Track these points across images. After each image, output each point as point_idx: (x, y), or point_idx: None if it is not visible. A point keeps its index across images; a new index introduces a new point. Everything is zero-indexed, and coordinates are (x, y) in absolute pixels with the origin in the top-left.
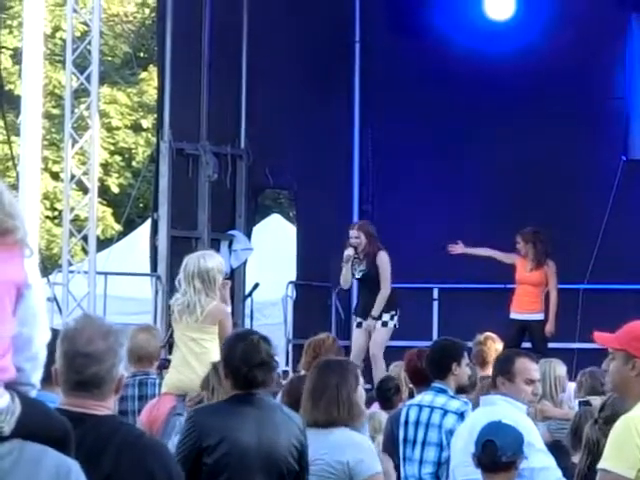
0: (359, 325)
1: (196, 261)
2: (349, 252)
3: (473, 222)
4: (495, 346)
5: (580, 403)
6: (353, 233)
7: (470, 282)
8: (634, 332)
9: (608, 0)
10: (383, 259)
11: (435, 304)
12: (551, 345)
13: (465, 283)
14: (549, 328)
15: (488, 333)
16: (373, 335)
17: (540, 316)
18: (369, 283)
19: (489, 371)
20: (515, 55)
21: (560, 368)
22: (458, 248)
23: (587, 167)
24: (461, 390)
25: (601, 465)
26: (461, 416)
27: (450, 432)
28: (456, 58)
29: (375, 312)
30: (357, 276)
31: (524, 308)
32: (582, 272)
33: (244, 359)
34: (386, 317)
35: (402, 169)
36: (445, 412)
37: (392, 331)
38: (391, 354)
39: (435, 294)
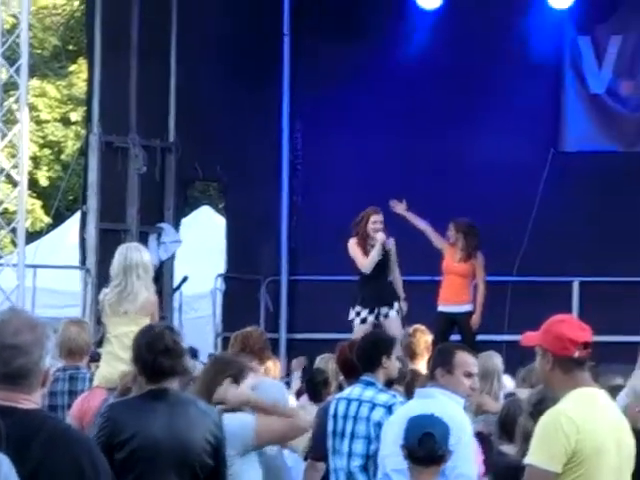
0: (364, 321)
1: (136, 253)
2: (383, 236)
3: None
4: (424, 338)
5: (506, 395)
6: (379, 217)
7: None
8: (547, 327)
9: None
10: (393, 243)
11: None
12: (480, 337)
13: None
14: (475, 320)
15: (417, 325)
16: (389, 325)
17: (468, 308)
18: (381, 269)
19: (418, 363)
20: (445, 47)
21: (499, 362)
22: (399, 207)
23: (517, 159)
24: (390, 383)
25: (528, 460)
26: (389, 409)
27: (378, 425)
28: (386, 51)
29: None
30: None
31: (452, 300)
32: (511, 264)
33: (148, 348)
34: (397, 306)
35: (331, 161)
36: (373, 405)
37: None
38: (316, 346)
39: None
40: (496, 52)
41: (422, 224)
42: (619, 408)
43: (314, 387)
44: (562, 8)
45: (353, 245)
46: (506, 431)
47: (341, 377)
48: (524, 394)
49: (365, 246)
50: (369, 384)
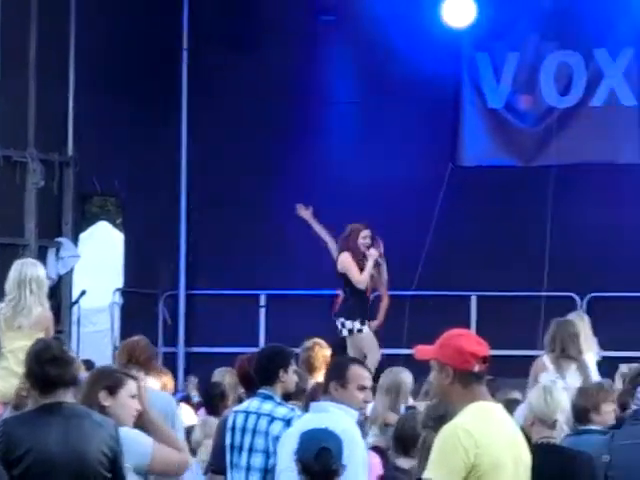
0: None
1: (31, 268)
2: (376, 252)
3: (299, 231)
4: (322, 352)
5: (406, 408)
6: (369, 232)
7: (298, 288)
8: (444, 340)
9: None
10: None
11: (262, 310)
12: (382, 351)
13: (293, 289)
14: (375, 324)
15: (316, 339)
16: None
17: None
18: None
19: (317, 377)
20: (342, 59)
21: (407, 377)
22: (305, 213)
23: (416, 174)
24: (288, 396)
25: (426, 475)
26: (288, 423)
27: (277, 439)
28: (282, 69)
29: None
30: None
31: None
32: (410, 279)
33: (36, 358)
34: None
35: (229, 176)
36: (272, 419)
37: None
38: (214, 360)
39: (262, 300)
40: (395, 69)
41: (325, 235)
42: (517, 422)
43: (211, 400)
44: (460, 25)
45: (348, 260)
46: (402, 445)
47: (241, 390)
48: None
49: (357, 261)
50: (267, 397)
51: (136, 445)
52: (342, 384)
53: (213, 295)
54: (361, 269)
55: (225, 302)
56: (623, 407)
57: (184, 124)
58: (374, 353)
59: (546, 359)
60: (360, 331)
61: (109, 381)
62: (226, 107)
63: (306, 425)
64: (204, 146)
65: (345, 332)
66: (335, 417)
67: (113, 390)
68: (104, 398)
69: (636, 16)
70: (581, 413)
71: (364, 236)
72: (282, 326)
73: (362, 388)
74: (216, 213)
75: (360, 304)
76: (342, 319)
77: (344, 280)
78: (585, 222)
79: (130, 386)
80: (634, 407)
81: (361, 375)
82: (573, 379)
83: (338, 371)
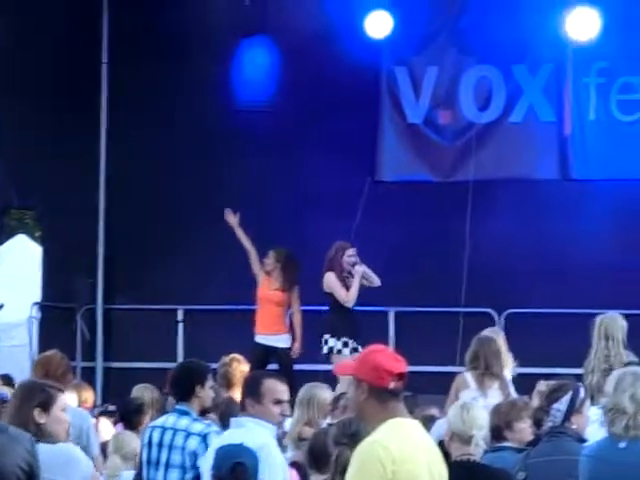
0: (355, 350)
1: None
2: (361, 269)
3: (218, 246)
4: (240, 367)
5: (328, 425)
6: (354, 251)
7: (216, 303)
8: (362, 357)
9: None
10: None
11: (180, 326)
12: (298, 367)
13: (211, 304)
14: (296, 348)
15: (233, 355)
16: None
17: (285, 338)
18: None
19: (234, 392)
20: (263, 71)
21: (325, 393)
22: (232, 219)
23: (335, 189)
24: (205, 412)
25: None
26: (204, 438)
27: (194, 454)
28: (203, 81)
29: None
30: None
31: (269, 329)
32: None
33: None
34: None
35: (150, 191)
36: (188, 434)
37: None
38: (133, 375)
39: (180, 315)
40: (313, 81)
41: (248, 245)
42: (434, 438)
43: (127, 415)
44: (379, 38)
45: (332, 279)
46: (315, 461)
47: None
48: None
49: (342, 279)
50: (184, 413)
51: (81, 465)
52: (257, 400)
53: (131, 310)
54: (347, 287)
55: (143, 317)
56: (538, 424)
57: (103, 137)
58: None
59: (468, 376)
60: (339, 352)
61: (41, 398)
62: (147, 122)
63: (224, 441)
64: (124, 161)
65: (325, 349)
66: (252, 432)
67: (46, 407)
68: (39, 416)
69: (555, 32)
70: (495, 431)
71: (349, 254)
72: (200, 341)
73: (278, 402)
74: (135, 228)
75: (346, 322)
76: (327, 336)
77: (331, 298)
78: (503, 238)
79: (61, 400)
80: (549, 424)
81: (275, 389)
82: (494, 397)
83: (252, 387)
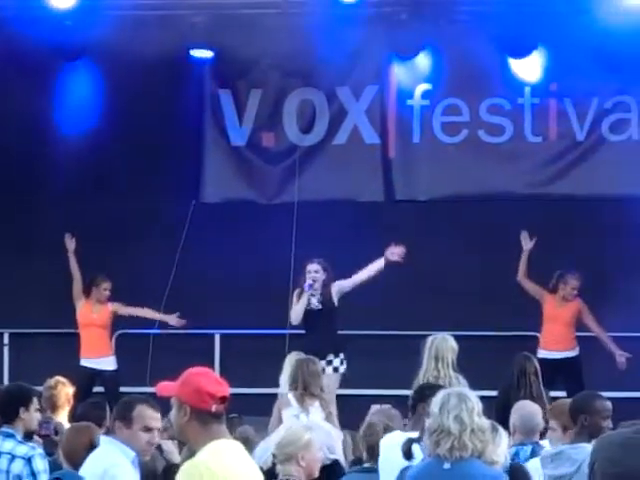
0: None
1: None
2: (310, 283)
3: (40, 269)
4: (65, 390)
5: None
6: (313, 267)
7: (42, 327)
8: (185, 379)
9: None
10: (310, 288)
11: (5, 349)
12: (123, 389)
13: (36, 327)
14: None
15: (58, 377)
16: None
17: (110, 361)
18: (326, 316)
19: (59, 415)
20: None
21: None
22: (69, 244)
23: (160, 208)
24: (30, 434)
25: None
26: (29, 461)
27: (18, 477)
28: (21, 106)
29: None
30: (316, 307)
31: (94, 353)
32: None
33: None
34: (337, 362)
35: None
36: (13, 457)
37: (341, 379)
38: None
39: (6, 339)
40: (136, 105)
41: (76, 271)
42: (256, 460)
43: None
44: (203, 58)
45: (294, 298)
46: None
47: None
48: (167, 445)
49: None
50: (8, 436)
51: None
52: (126, 424)
53: None
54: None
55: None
56: None
57: None
58: (333, 395)
59: (290, 396)
60: (336, 370)
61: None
62: None
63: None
64: None
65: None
66: (106, 454)
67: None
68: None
69: (379, 55)
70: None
71: (308, 270)
72: (26, 364)
73: (147, 429)
74: None
75: (303, 341)
76: (331, 356)
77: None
78: (327, 258)
79: None
80: None
81: (146, 416)
82: (316, 414)
83: (123, 411)
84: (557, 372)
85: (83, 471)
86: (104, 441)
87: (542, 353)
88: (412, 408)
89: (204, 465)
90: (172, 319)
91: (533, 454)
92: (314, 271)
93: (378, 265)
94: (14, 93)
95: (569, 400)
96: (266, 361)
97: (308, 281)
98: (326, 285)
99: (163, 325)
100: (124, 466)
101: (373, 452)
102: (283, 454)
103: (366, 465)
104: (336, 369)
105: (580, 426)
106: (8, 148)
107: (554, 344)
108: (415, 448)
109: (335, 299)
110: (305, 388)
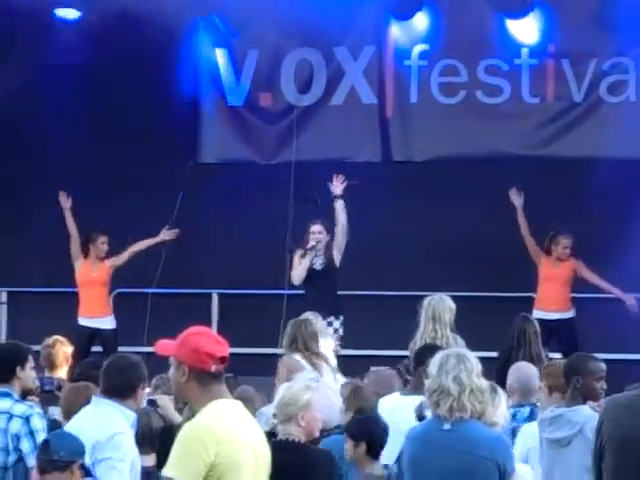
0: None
1: None
2: (313, 244)
3: (40, 230)
4: (63, 349)
5: (148, 402)
6: (317, 228)
7: (40, 285)
8: (183, 339)
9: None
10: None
11: (3, 307)
12: (122, 349)
13: (34, 286)
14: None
15: (56, 336)
16: None
17: (109, 320)
18: (327, 277)
19: (58, 373)
20: (83, 59)
21: None
22: (65, 203)
23: (157, 172)
24: (27, 393)
25: (165, 473)
26: (27, 420)
27: (16, 436)
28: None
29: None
30: (318, 268)
31: (92, 312)
32: (151, 276)
33: None
34: (337, 324)
35: None
36: (11, 416)
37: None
38: None
39: (3, 297)
40: (137, 64)
41: (73, 230)
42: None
43: None
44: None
45: (294, 259)
46: (143, 442)
47: None
48: (162, 400)
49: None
50: (5, 395)
51: None
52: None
53: None
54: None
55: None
56: None
57: None
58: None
59: (298, 357)
60: (336, 331)
61: None
62: None
63: (75, 419)
64: None
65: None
66: (105, 416)
67: None
68: None
69: (377, 15)
70: None
71: (312, 232)
72: (23, 323)
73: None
74: None
75: (325, 300)
76: (331, 318)
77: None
78: (326, 219)
79: None
80: None
81: None
82: (328, 376)
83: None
84: (551, 333)
85: (84, 433)
86: (103, 403)
87: (537, 314)
88: (413, 370)
89: (203, 425)
90: (164, 235)
91: (531, 415)
92: (317, 232)
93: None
94: None
95: (558, 362)
96: (264, 321)
97: (311, 242)
98: (328, 246)
99: (160, 284)
100: (127, 433)
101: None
102: (283, 414)
103: None
104: (336, 330)
105: (573, 387)
106: None
107: (549, 305)
108: (428, 412)
109: (337, 260)
110: (306, 349)
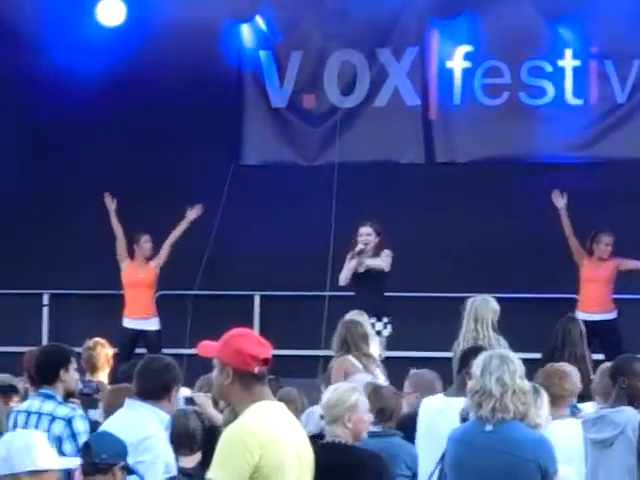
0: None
1: None
2: (362, 247)
3: (83, 231)
4: (105, 351)
5: (185, 400)
6: (366, 230)
7: (82, 288)
8: (226, 341)
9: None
10: (389, 254)
11: (45, 309)
12: (165, 351)
13: (77, 289)
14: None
15: (97, 338)
16: None
17: (154, 322)
18: (372, 280)
19: (99, 376)
20: (126, 64)
21: None
22: (110, 204)
23: (199, 174)
24: (69, 395)
25: (210, 475)
26: (69, 422)
27: (58, 439)
28: (64, 68)
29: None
30: (364, 270)
31: (137, 314)
32: (192, 279)
33: None
34: (379, 326)
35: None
36: (53, 418)
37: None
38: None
39: (46, 299)
40: (177, 68)
41: (119, 231)
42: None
43: None
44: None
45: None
46: (181, 443)
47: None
48: (199, 398)
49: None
50: (48, 397)
51: None
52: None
53: None
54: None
55: (8, 301)
56: None
57: None
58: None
59: (352, 359)
60: (379, 333)
61: None
62: None
63: (109, 421)
64: None
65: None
66: (137, 417)
67: None
68: None
69: (420, 15)
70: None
71: (360, 234)
72: (65, 325)
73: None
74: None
75: (374, 302)
76: (373, 319)
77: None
78: (369, 221)
79: None
80: None
81: None
82: (380, 378)
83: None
84: (594, 334)
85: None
86: (137, 405)
87: (580, 315)
88: (457, 371)
89: (246, 428)
90: (190, 215)
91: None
92: (366, 234)
93: None
94: None
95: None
96: (305, 323)
97: (359, 245)
98: (378, 248)
99: (202, 286)
100: (160, 436)
101: (384, 415)
102: (330, 415)
103: (374, 429)
104: (379, 332)
105: (619, 388)
106: None
107: (591, 306)
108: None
109: (386, 263)
110: (357, 350)
